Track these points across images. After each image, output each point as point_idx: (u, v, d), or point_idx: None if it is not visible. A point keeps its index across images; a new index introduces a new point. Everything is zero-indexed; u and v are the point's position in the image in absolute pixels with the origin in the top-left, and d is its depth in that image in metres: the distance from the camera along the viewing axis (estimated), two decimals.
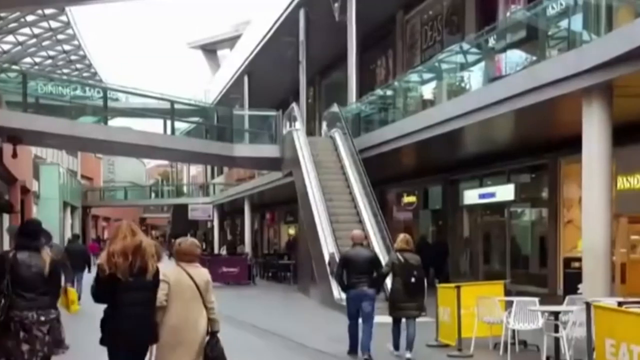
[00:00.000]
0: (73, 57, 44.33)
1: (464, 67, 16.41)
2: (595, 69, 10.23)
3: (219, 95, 40.85)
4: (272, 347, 11.01)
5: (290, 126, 22.11)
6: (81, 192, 53.50)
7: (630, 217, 14.78)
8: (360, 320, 9.47)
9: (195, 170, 66.88)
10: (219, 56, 52.31)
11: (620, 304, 8.39)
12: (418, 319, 9.74)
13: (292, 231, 35.51)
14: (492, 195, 19.18)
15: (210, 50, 53.04)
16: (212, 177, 55.36)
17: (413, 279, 9.26)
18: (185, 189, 60.80)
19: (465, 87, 16.19)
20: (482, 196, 19.84)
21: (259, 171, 31.80)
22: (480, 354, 9.64)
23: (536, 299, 9.65)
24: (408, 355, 9.45)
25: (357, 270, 9.38)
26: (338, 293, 15.46)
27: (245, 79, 34.43)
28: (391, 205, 25.89)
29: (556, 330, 8.77)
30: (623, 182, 14.03)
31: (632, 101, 11.25)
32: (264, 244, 43.56)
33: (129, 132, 21.90)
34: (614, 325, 6.21)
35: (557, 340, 8.76)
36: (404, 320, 9.75)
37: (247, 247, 33.11)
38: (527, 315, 9.18)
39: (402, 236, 9.74)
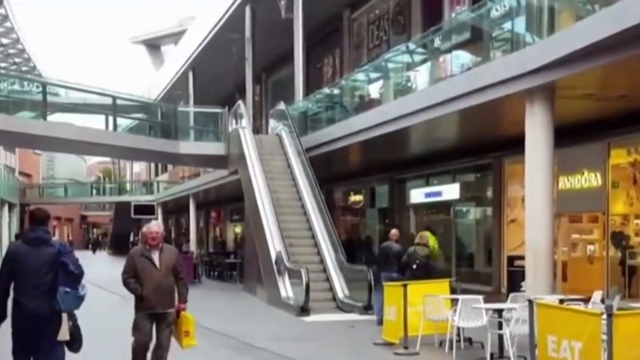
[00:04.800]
0: (11, 51, 43.02)
1: (410, 66, 16.56)
2: (538, 70, 10.42)
3: (163, 91, 40.29)
4: (217, 346, 10.87)
5: (236, 123, 21.92)
6: (19, 189, 52.02)
7: (571, 217, 15.16)
8: None
9: (138, 167, 65.79)
10: (163, 52, 51.60)
11: (561, 301, 8.64)
12: (364, 318, 11.60)
13: (238, 230, 35.30)
14: (438, 194, 19.42)
15: (153, 45, 52.28)
16: (156, 174, 54.59)
17: (415, 266, 11.84)
18: (128, 186, 59.74)
19: (411, 86, 16.33)
20: (428, 195, 20.07)
21: (204, 169, 31.47)
22: (426, 351, 9.73)
23: (480, 297, 9.79)
24: None
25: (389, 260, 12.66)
26: (285, 291, 15.46)
27: (190, 75, 34.04)
28: (338, 204, 25.97)
29: (500, 327, 8.92)
30: (564, 182, 14.38)
31: (573, 103, 11.51)
32: (209, 242, 43.17)
33: (69, 128, 21.33)
34: (555, 322, 6.32)
35: (501, 337, 8.92)
36: None
37: (193, 246, 32.74)
38: (472, 313, 9.31)
39: (419, 234, 12.86)
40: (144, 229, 7.46)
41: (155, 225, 7.45)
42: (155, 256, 7.30)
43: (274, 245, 16.21)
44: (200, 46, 30.73)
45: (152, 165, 55.24)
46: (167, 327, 7.33)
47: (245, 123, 21.11)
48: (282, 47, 24.99)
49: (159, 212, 46.91)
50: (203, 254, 33.86)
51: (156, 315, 7.27)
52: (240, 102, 22.87)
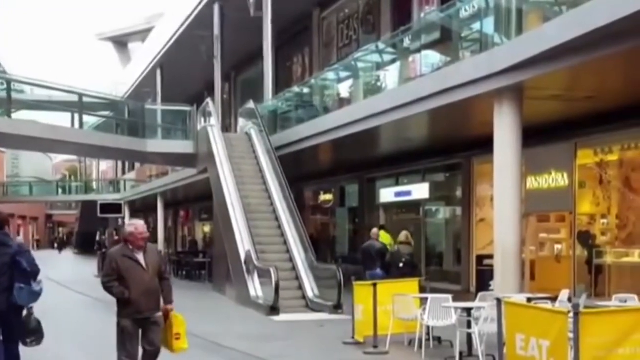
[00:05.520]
0: None
1: (380, 66, 16.59)
2: (506, 71, 10.51)
3: (130, 89, 39.86)
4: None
5: (205, 122, 21.75)
6: None
7: (539, 216, 15.35)
8: None
9: (105, 165, 65.02)
10: (130, 49, 51.06)
11: (529, 300, 8.73)
12: (334, 317, 11.89)
13: (207, 229, 35.07)
14: (408, 193, 19.51)
15: (120, 42, 51.73)
16: (124, 172, 54.03)
17: (401, 264, 12.41)
18: (94, 185, 59.02)
19: (381, 86, 16.36)
20: (398, 194, 20.15)
21: (172, 167, 31.21)
22: (395, 350, 9.74)
23: (450, 296, 9.84)
24: None
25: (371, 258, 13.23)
26: (254, 290, 15.39)
27: (158, 73, 33.72)
28: (308, 203, 25.95)
29: (469, 326, 8.97)
30: (532, 182, 14.55)
31: (541, 103, 11.64)
32: (178, 241, 42.84)
33: (34, 126, 20.94)
34: (523, 320, 6.36)
35: (470, 335, 8.97)
36: None
37: (161, 245, 32.43)
38: (441, 312, 9.34)
39: (402, 234, 13.39)
40: (130, 228, 6.85)
41: (143, 225, 6.94)
42: (141, 257, 6.77)
43: (243, 244, 16.12)
44: (169, 44, 30.45)
45: (120, 163, 54.67)
46: (156, 330, 6.84)
47: (214, 121, 20.95)
48: (251, 45, 24.88)
49: (126, 211, 46.44)
50: (172, 253, 33.57)
51: (143, 321, 6.76)
52: (209, 100, 22.70)
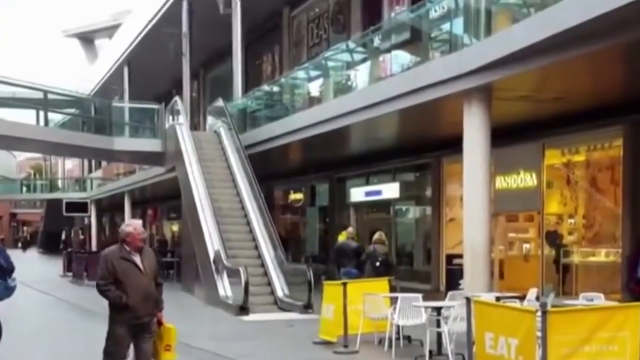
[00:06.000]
0: None
1: (350, 65, 16.59)
2: (475, 72, 10.58)
3: (97, 86, 39.39)
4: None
5: (173, 120, 21.52)
6: None
7: (507, 216, 15.50)
8: None
9: (71, 163, 64.07)
10: (97, 45, 50.42)
11: (498, 298, 8.79)
12: (304, 317, 12.05)
13: (175, 228, 34.77)
14: (378, 193, 19.57)
15: (87, 39, 51.05)
16: (90, 171, 53.36)
17: (377, 263, 12.32)
18: (60, 183, 58.11)
19: (351, 85, 16.37)
20: (368, 194, 20.20)
21: (140, 166, 30.88)
22: (365, 349, 9.74)
23: (420, 295, 9.87)
24: None
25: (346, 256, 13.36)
26: (224, 290, 15.28)
27: (126, 70, 33.33)
28: (278, 202, 25.87)
29: (438, 325, 9.00)
30: (501, 182, 14.69)
31: (510, 104, 11.74)
32: (146, 240, 42.39)
33: None
34: (492, 319, 6.43)
35: (439, 334, 9.00)
36: None
37: None
38: (411, 311, 9.37)
39: (377, 234, 13.10)
40: (129, 228, 6.46)
41: (141, 225, 6.62)
42: (138, 259, 6.34)
43: (212, 243, 16.00)
44: (136, 41, 30.12)
45: (86, 161, 54.00)
46: (150, 337, 6.46)
47: (183, 119, 20.74)
48: (220, 43, 24.72)
49: (93, 210, 45.89)
50: None
51: (139, 326, 6.35)
52: (177, 98, 22.45)
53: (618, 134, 12.68)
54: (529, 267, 14.69)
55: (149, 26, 27.92)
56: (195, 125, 29.03)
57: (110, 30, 42.71)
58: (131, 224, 6.55)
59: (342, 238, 15.27)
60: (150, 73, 31.49)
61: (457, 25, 12.03)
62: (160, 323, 6.59)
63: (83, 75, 45.78)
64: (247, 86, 23.32)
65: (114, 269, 6.24)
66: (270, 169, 21.83)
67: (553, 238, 14.16)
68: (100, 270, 6.37)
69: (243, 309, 13.82)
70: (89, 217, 47.59)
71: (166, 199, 34.55)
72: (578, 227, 13.97)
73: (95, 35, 50.15)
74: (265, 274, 15.72)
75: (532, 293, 9.41)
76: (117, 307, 6.27)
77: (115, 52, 34.89)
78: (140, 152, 23.47)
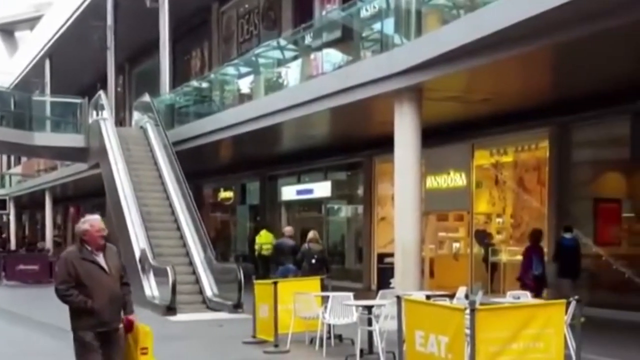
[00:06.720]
0: None
1: (281, 63, 16.47)
2: (406, 72, 10.66)
3: (16, 79, 38.10)
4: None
5: (97, 115, 20.93)
6: None
7: (438, 215, 15.72)
8: None
9: None
10: (17, 37, 48.86)
11: (428, 297, 8.86)
12: (234, 316, 12.39)
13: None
14: (310, 191, 19.55)
15: (6, 30, 49.50)
16: (9, 167, 51.53)
17: (313, 261, 12.55)
18: None
19: (282, 83, 16.26)
20: (299, 192, 20.15)
21: (62, 162, 29.94)
22: (296, 349, 9.66)
23: (351, 294, 9.85)
24: None
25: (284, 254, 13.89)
26: (150, 290, 14.93)
27: (47, 63, 32.28)
28: (208, 200, 25.52)
29: (369, 323, 9.00)
30: (432, 182, 14.86)
31: (440, 104, 11.88)
32: (68, 239, 41.18)
33: None
34: (423, 317, 6.48)
35: (370, 333, 9.00)
36: None
37: (49, 243, 31.03)
38: (343, 310, 9.33)
39: (311, 233, 13.32)
40: (84, 225, 5.80)
41: (99, 220, 5.91)
42: (101, 259, 5.75)
43: (138, 242, 15.61)
44: (59, 33, 29.21)
45: (4, 157, 52.09)
46: (119, 346, 5.85)
47: (107, 115, 20.16)
48: (147, 37, 24.18)
49: (12, 207, 44.39)
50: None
51: (107, 334, 5.72)
52: (101, 92, 21.83)
53: (545, 135, 13.02)
54: (458, 265, 14.94)
55: (73, 18, 27.15)
56: (120, 121, 28.38)
57: (31, 22, 41.44)
58: (87, 221, 5.86)
59: (261, 240, 16.03)
60: (74, 67, 30.64)
61: (388, 25, 12.10)
62: (130, 327, 5.95)
63: (2, 68, 44.19)
64: (175, 82, 22.90)
65: (75, 272, 5.64)
66: (199, 166, 21.49)
67: (482, 237, 14.43)
68: (60, 274, 5.75)
69: (170, 309, 13.55)
70: (8, 214, 46.00)
71: (89, 196, 33.63)
72: (506, 226, 14.28)
73: (15, 26, 48.81)
74: (194, 272, 15.45)
75: (462, 291, 9.53)
76: (81, 312, 5.68)
77: (37, 45, 33.85)
78: (62, 148, 22.85)
